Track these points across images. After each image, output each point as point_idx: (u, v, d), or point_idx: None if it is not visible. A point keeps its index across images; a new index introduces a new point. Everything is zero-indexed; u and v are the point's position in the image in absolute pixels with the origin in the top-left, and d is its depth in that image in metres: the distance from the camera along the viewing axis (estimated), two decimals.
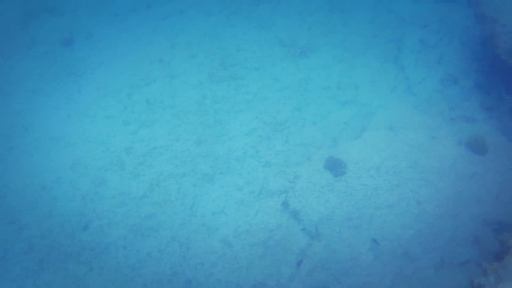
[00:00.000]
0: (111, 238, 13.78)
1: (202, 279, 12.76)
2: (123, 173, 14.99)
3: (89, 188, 14.72)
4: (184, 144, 15.43)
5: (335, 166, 14.08)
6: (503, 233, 11.45)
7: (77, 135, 16.31)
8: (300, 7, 20.92)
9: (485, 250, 12.30)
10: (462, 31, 20.46)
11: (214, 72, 17.60)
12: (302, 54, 18.56)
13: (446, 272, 12.21)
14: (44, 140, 16.26)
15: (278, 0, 21.23)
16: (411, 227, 12.93)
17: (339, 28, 20.08)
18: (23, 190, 14.93)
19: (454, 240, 12.56)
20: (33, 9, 21.40)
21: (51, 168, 15.46)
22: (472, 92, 17.84)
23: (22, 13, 21.41)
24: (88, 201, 14.44)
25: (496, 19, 16.88)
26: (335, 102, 16.76)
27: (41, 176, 15.23)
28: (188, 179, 14.58)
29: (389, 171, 14.15)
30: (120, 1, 21.92)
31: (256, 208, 13.75)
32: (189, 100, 16.71)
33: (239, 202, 13.95)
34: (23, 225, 14.26)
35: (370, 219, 13.03)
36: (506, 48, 15.84)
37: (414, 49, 19.73)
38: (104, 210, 14.27)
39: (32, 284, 13.18)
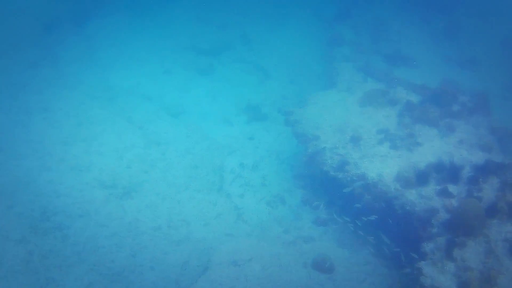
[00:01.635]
0: None
1: None
2: None
3: None
4: None
5: None
6: None
7: None
8: (115, 145, 22.78)
9: None
10: (281, 150, 23.39)
11: (36, 224, 18.05)
12: (125, 194, 20.10)
13: None
14: None
15: (92, 138, 22.79)
16: None
17: (159, 163, 22.19)
18: None
19: None
20: None
21: None
22: (301, 209, 20.44)
23: None
24: None
25: (317, 136, 20.12)
26: (169, 242, 18.18)
27: None
28: None
29: None
30: None
31: None
32: (14, 258, 16.74)
33: None
34: None
35: None
36: (334, 164, 18.89)
37: (236, 174, 22.14)
38: None
39: None
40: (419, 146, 18.23)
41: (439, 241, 14.74)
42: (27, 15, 31.25)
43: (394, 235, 16.80)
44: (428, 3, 35.59)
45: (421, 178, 16.79)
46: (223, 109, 27.03)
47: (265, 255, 17.27)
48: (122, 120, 24.40)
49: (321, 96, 22.35)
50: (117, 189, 19.99)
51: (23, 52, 28.99)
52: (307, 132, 20.38)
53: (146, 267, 16.82)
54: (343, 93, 22.28)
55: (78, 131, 23.00)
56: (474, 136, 18.70)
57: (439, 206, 15.79)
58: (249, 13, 36.56)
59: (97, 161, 21.34)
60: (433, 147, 18.07)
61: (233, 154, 23.34)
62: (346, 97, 21.84)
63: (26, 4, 31.55)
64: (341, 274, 16.61)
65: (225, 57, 32.06)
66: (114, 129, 23.55)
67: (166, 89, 28.30)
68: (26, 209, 18.45)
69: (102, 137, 22.76)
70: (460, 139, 18.42)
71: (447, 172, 16.75)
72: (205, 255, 17.41)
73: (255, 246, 17.74)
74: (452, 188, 16.21)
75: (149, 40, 32.60)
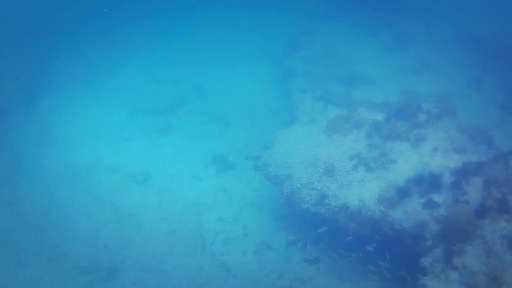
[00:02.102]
0: None
1: None
2: None
3: None
4: None
5: None
6: None
7: None
8: (88, 226, 22.01)
9: None
10: (257, 196, 23.50)
11: None
12: (109, 276, 19.49)
13: None
14: None
15: (63, 224, 22.02)
16: None
17: (136, 236, 21.62)
18: None
19: None
20: None
21: None
22: (290, 251, 20.07)
23: None
24: None
25: (290, 175, 19.72)
26: None
27: None
28: None
29: None
30: None
31: None
32: None
33: None
34: None
35: None
36: (312, 200, 18.52)
37: (216, 230, 21.82)
38: None
39: None
40: (394, 163, 18.05)
41: (436, 253, 14.58)
42: None
43: (392, 257, 16.41)
44: (374, 18, 36.09)
45: (403, 194, 16.63)
46: (190, 166, 26.57)
47: None
48: (89, 198, 23.78)
49: (285, 134, 22.11)
50: (100, 273, 19.47)
51: None
52: (278, 174, 20.08)
53: None
54: (307, 126, 22.19)
55: (48, 219, 22.33)
56: (446, 141, 18.62)
57: (428, 219, 15.60)
58: (199, 64, 36.51)
59: (72, 247, 20.73)
60: (408, 161, 17.97)
61: (209, 210, 22.98)
62: (310, 130, 21.70)
63: None
64: None
65: (182, 112, 31.62)
66: (83, 209, 22.95)
67: (129, 157, 27.63)
68: None
69: (73, 221, 22.14)
70: (433, 147, 18.36)
71: (428, 183, 16.61)
72: None
73: None
74: (436, 197, 16.07)
75: (103, 109, 31.96)
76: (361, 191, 17.53)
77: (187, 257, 20.21)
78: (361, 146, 19.58)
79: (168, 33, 40.95)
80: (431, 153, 18.15)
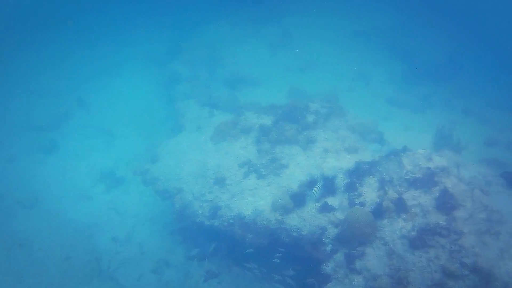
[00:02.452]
0: None
1: None
2: None
3: None
4: None
5: None
6: None
7: None
8: None
9: None
10: (149, 211, 22.67)
11: None
12: None
13: None
14: None
15: None
16: None
17: (28, 268, 20.16)
18: None
19: None
20: None
21: None
22: (189, 266, 19.40)
23: None
24: None
25: (180, 188, 18.95)
26: None
27: None
28: None
29: None
30: None
31: None
32: None
33: None
34: None
35: None
36: (206, 213, 17.82)
37: (111, 252, 20.76)
38: None
39: None
40: (286, 168, 17.66)
41: (337, 257, 14.31)
42: None
43: (294, 266, 16.00)
44: (256, 17, 35.97)
45: (298, 200, 16.20)
46: (78, 185, 25.29)
47: None
48: None
49: (172, 144, 21.40)
50: None
51: None
52: (168, 187, 19.28)
53: None
54: (194, 134, 21.56)
55: None
56: (336, 141, 18.44)
57: (325, 223, 15.29)
58: (79, 74, 35.24)
59: None
60: (300, 164, 17.60)
61: (102, 231, 21.87)
62: (197, 138, 21.09)
63: None
64: None
65: (65, 127, 30.27)
66: None
67: (14, 179, 25.92)
68: None
69: None
70: (324, 148, 18.11)
71: (322, 186, 16.29)
72: None
73: None
74: (332, 201, 15.80)
75: None
76: (254, 199, 16.98)
77: (84, 284, 19.11)
78: (250, 152, 19.04)
79: (44, 41, 39.22)
80: (323, 155, 17.87)
